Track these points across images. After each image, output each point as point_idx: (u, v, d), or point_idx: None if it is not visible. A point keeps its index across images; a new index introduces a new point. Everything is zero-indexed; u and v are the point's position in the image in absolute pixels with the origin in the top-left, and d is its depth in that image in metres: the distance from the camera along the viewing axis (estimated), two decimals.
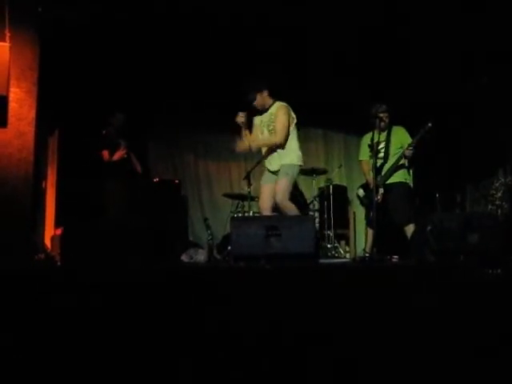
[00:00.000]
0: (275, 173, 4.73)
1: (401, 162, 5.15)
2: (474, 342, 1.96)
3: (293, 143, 4.70)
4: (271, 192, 4.62)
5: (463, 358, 1.88)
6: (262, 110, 4.76)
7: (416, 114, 6.04)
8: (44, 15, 5.01)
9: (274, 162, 4.74)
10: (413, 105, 6.57)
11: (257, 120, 4.84)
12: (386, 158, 5.20)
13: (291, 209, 4.50)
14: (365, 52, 6.51)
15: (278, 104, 4.71)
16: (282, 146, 4.63)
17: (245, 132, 4.79)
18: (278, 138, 4.60)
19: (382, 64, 6.66)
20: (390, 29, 6.04)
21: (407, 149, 5.04)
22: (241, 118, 4.70)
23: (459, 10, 5.42)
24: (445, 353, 1.89)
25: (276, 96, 4.81)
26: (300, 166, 4.76)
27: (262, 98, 4.71)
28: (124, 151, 5.75)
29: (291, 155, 4.67)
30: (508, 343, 1.93)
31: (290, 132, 4.67)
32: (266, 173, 4.86)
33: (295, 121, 4.76)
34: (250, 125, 4.85)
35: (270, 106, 4.73)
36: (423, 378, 1.80)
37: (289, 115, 4.65)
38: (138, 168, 6.03)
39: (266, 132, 4.74)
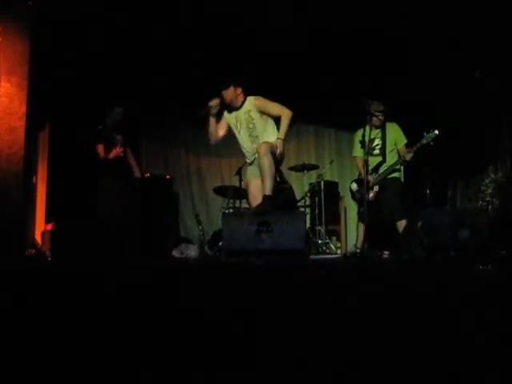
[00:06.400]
0: (253, 163, 4.64)
1: (398, 166, 5.16)
2: (465, 338, 1.98)
3: (270, 133, 4.56)
4: (258, 185, 4.50)
5: (455, 353, 1.89)
6: (232, 107, 4.62)
7: (409, 111, 6.08)
8: (34, 9, 4.97)
9: (252, 152, 4.64)
10: (406, 102, 6.57)
11: (231, 118, 4.67)
12: (383, 155, 5.20)
13: (269, 165, 4.22)
14: (358, 48, 6.52)
15: (250, 99, 4.56)
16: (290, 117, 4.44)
17: (213, 120, 4.63)
18: (285, 112, 4.44)
19: (375, 60, 6.67)
20: (384, 26, 6.05)
21: (408, 152, 5.01)
22: (215, 102, 4.54)
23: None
24: (436, 350, 1.91)
25: (248, 92, 4.64)
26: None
27: (234, 93, 4.54)
28: (120, 150, 5.55)
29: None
30: (499, 337, 1.95)
31: (267, 120, 4.55)
32: (248, 167, 4.79)
33: None
34: (219, 114, 4.67)
35: (243, 103, 4.58)
36: (424, 377, 1.81)
37: (265, 100, 4.54)
38: (137, 171, 5.88)
39: (245, 130, 4.61)
